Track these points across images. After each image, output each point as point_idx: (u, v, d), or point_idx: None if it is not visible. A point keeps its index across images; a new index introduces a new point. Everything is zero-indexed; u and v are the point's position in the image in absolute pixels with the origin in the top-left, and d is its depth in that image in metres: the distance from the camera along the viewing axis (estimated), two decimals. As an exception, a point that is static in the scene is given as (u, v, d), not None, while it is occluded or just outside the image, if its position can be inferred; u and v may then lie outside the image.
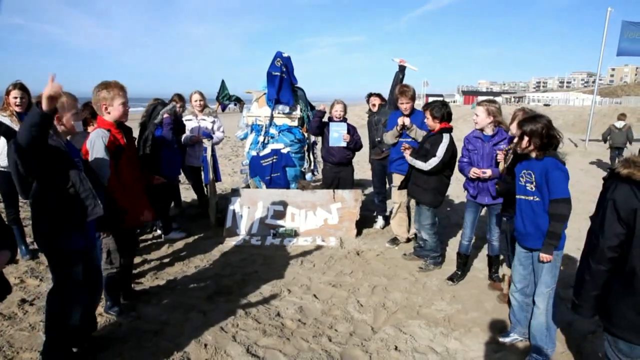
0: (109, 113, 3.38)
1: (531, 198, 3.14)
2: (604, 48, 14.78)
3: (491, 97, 4.61)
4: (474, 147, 4.36)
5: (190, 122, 6.15)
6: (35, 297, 4.00)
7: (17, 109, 4.52)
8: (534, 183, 3.11)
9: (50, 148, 2.65)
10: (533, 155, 3.13)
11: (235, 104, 7.00)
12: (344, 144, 5.87)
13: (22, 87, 4.57)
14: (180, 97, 6.26)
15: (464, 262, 4.69)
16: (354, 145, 6.03)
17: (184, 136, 5.85)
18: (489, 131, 4.27)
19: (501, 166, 4.03)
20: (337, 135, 5.87)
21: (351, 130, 6.02)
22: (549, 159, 3.07)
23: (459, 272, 4.67)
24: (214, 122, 6.36)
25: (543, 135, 3.05)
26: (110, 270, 3.58)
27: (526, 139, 3.09)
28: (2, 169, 4.56)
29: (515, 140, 3.19)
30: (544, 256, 3.05)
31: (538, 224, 3.11)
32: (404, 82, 5.90)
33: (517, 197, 3.27)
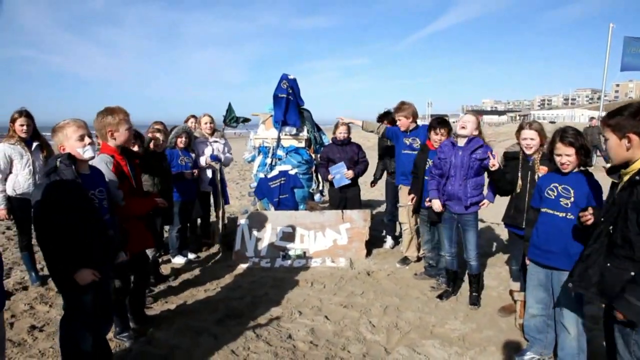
0: (114, 139, 3.39)
1: (563, 214, 3.04)
2: (608, 64, 14.84)
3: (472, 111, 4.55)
4: (445, 156, 4.30)
5: (203, 146, 6.15)
6: (45, 324, 3.98)
7: (24, 135, 4.62)
8: (572, 199, 3.00)
9: (66, 195, 2.66)
10: (574, 170, 3.05)
11: (242, 123, 7.09)
12: (348, 182, 5.93)
13: (27, 115, 4.66)
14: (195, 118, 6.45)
15: (452, 278, 4.62)
16: (360, 173, 6.11)
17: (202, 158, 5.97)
18: (461, 142, 4.22)
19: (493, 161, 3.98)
20: (340, 177, 5.93)
21: (356, 149, 6.07)
22: (591, 176, 3.01)
23: (449, 289, 4.61)
24: (225, 144, 6.40)
25: (587, 148, 3.02)
26: (118, 296, 3.55)
27: (576, 154, 3.01)
28: (18, 196, 4.61)
29: (563, 159, 3.05)
30: None
31: (566, 244, 3.01)
32: (403, 100, 5.96)
33: (543, 210, 3.18)
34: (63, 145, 2.81)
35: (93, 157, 2.88)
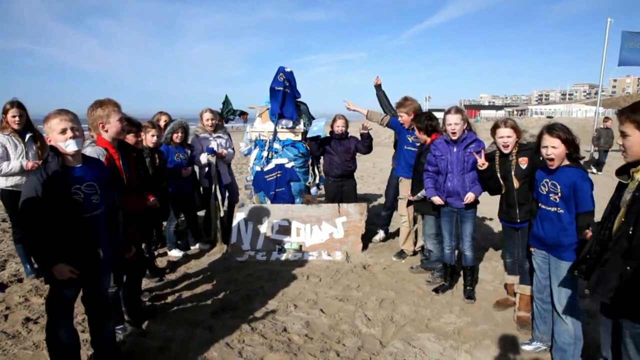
0: (106, 131, 3.33)
1: (554, 209, 3.09)
2: (605, 59, 14.79)
3: (457, 106, 4.55)
4: (441, 153, 4.33)
5: (206, 142, 6.03)
6: (39, 316, 3.97)
7: (17, 127, 4.57)
8: (559, 194, 3.05)
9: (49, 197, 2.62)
10: (561, 164, 3.06)
11: (239, 116, 7.04)
12: (319, 134, 5.93)
13: (19, 105, 4.61)
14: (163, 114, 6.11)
15: (450, 272, 4.64)
16: (365, 147, 6.03)
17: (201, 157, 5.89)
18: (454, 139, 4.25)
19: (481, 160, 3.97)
20: (317, 129, 5.96)
21: (354, 141, 6.04)
22: (578, 170, 3.03)
23: (446, 284, 4.62)
24: (227, 140, 6.30)
25: (575, 143, 3.02)
26: (110, 289, 3.52)
27: (563, 147, 3.01)
28: (10, 188, 4.57)
29: (548, 151, 3.06)
30: None
31: (559, 236, 3.07)
32: (406, 96, 5.94)
33: (539, 205, 3.23)
34: (49, 136, 2.76)
35: (77, 151, 2.79)
